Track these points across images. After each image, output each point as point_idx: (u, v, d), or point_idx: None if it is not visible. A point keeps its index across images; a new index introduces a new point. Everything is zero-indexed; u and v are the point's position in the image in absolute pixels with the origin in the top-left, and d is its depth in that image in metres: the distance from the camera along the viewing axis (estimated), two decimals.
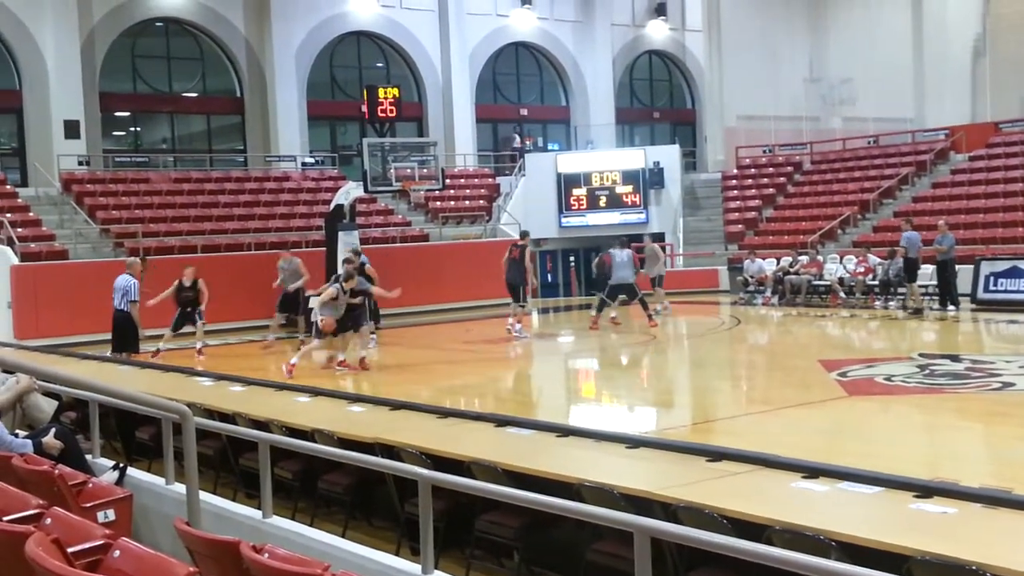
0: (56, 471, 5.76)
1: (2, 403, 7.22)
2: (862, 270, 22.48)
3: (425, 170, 22.89)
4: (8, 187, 24.83)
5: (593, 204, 30.18)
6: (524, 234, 20.67)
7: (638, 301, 19.68)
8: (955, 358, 14.11)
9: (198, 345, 17.35)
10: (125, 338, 15.29)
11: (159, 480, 6.85)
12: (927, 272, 21.45)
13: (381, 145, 22.41)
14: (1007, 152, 27.38)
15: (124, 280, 15.11)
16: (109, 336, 15.87)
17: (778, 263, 24.57)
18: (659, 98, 38.35)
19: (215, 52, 29.55)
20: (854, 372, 12.75)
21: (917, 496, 5.59)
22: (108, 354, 15.67)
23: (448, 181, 26.76)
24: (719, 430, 9.82)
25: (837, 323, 19.97)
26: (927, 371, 12.81)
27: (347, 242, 21.47)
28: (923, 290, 21.46)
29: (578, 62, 35.03)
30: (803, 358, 15.21)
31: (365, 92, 23.66)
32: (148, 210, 25.00)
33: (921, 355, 14.42)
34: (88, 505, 5.60)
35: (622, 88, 36.47)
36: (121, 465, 7.09)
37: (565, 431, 8.17)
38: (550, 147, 34.99)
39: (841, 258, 23.86)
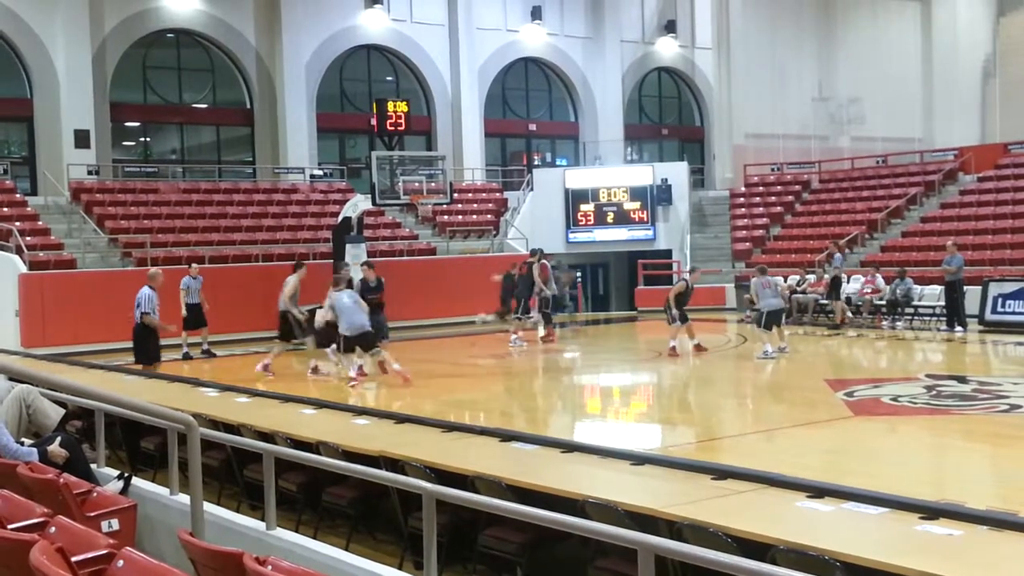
0: (61, 480, 5.77)
1: None
2: (869, 290, 22.45)
3: (433, 184, 22.97)
4: (18, 196, 24.90)
5: (601, 220, 30.20)
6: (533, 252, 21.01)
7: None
8: (962, 379, 14.06)
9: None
10: (141, 350, 15.10)
11: (163, 490, 6.84)
12: (935, 292, 21.45)
13: (390, 158, 22.48)
14: (1016, 173, 27.34)
15: (141, 292, 14.88)
16: (115, 345, 15.93)
17: (785, 281, 24.54)
18: (668, 115, 38.38)
19: (226, 64, 29.66)
20: (860, 392, 12.72)
21: (923, 518, 5.57)
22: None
23: (456, 195, 26.82)
24: (724, 448, 9.80)
25: (844, 342, 19.93)
26: (934, 392, 12.78)
27: (354, 254, 21.54)
28: (930, 310, 21.46)
29: (587, 78, 35.10)
30: (809, 377, 15.18)
31: (374, 105, 23.75)
32: (157, 220, 25.07)
33: (928, 376, 14.38)
34: (92, 514, 5.60)
35: (631, 104, 36.51)
36: (126, 475, 7.09)
37: (570, 447, 8.16)
38: (558, 162, 35.03)
39: (848, 278, 23.81)
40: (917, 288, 21.80)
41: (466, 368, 17.82)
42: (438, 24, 32.22)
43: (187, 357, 18.82)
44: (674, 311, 17.96)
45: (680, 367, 16.91)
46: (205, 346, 19.37)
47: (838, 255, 22.68)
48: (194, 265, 20.21)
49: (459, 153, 31.84)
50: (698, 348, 18.07)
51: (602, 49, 35.13)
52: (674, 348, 17.80)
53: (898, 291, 21.64)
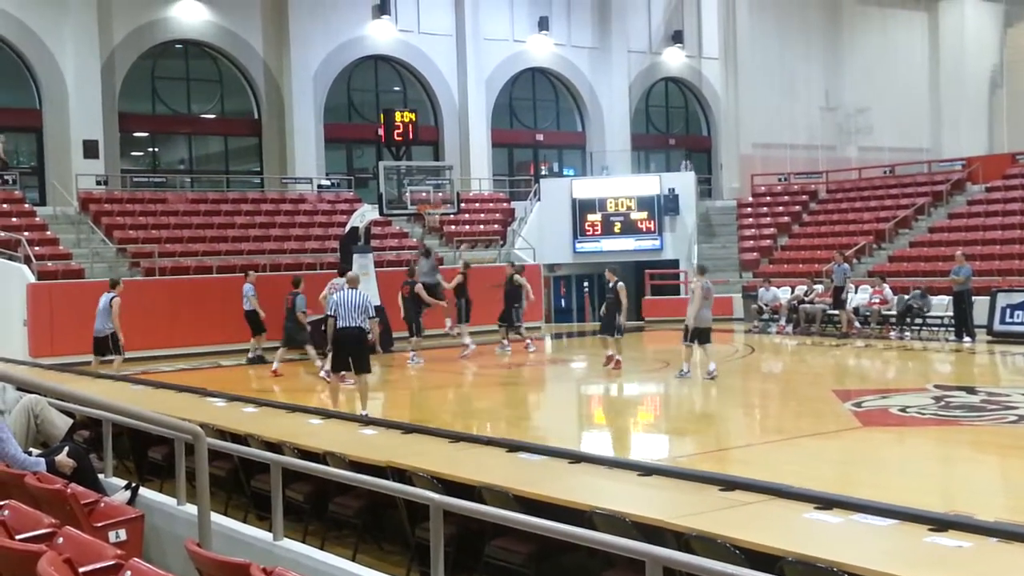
0: (69, 490, 5.77)
1: None
2: (877, 300, 22.41)
3: (440, 194, 22.97)
4: (26, 206, 24.97)
5: (608, 230, 30.19)
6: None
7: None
8: (971, 390, 14.02)
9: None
10: (360, 358, 12.82)
11: (171, 500, 6.84)
12: (943, 303, 21.40)
13: (397, 168, 22.51)
14: None
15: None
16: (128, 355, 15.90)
17: (793, 292, 24.52)
18: (675, 125, 38.40)
19: (234, 74, 29.74)
20: (869, 403, 12.69)
21: (932, 529, 5.54)
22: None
23: (463, 205, 26.81)
24: (732, 459, 9.77)
25: (851, 353, 19.88)
26: (942, 403, 12.74)
27: (362, 265, 21.56)
28: (938, 321, 21.40)
29: (594, 88, 35.13)
30: (817, 388, 15.14)
31: (382, 115, 23.78)
32: (165, 230, 25.11)
33: (936, 387, 14.34)
34: (100, 524, 5.60)
35: (638, 114, 36.53)
36: (133, 485, 7.09)
37: (577, 457, 8.13)
38: (565, 172, 35.06)
39: (856, 288, 23.77)
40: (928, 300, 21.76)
41: (472, 378, 17.81)
42: (445, 35, 32.29)
43: (257, 360, 19.61)
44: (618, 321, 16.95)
45: (686, 379, 16.86)
46: (252, 353, 19.87)
47: (845, 265, 22.71)
48: (251, 273, 20.47)
49: (466, 163, 31.87)
50: (609, 360, 17.35)
51: (609, 59, 35.17)
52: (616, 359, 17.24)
53: (912, 302, 21.56)
